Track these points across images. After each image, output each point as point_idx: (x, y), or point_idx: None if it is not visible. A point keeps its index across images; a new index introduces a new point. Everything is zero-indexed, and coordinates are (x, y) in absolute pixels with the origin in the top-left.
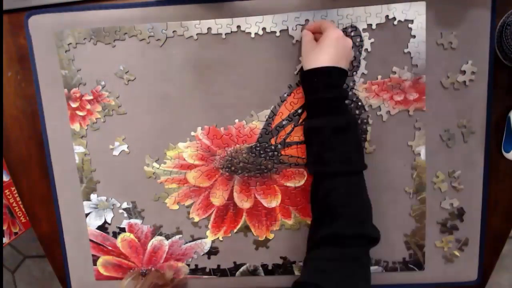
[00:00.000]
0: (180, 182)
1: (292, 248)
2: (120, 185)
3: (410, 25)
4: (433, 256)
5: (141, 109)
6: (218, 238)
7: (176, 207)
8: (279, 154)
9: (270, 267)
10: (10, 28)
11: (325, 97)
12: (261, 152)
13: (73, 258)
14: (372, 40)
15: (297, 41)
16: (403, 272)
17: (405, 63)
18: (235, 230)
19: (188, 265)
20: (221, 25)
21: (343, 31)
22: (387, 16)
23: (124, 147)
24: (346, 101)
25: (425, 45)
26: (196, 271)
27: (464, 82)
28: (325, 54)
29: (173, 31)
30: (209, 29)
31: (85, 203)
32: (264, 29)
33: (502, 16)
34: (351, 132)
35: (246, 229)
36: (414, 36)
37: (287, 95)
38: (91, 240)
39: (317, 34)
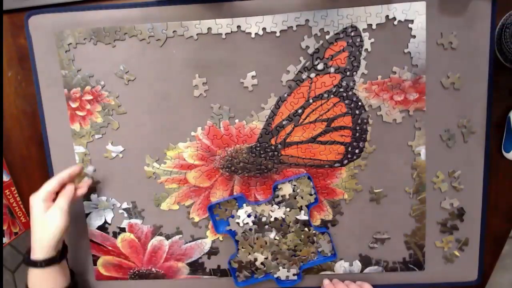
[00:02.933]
0: (180, 182)
1: None
2: (120, 185)
3: (410, 25)
4: (433, 256)
5: (141, 109)
6: (218, 238)
7: (176, 207)
8: (279, 154)
9: None
10: (10, 28)
11: None
12: (261, 152)
13: (73, 258)
14: (372, 40)
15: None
16: (403, 272)
17: (405, 63)
18: None
19: (188, 265)
20: (221, 25)
21: (343, 31)
22: (387, 16)
23: (124, 147)
24: (346, 101)
25: (425, 45)
26: (196, 271)
27: (464, 82)
28: None
29: (173, 31)
30: (209, 29)
31: (85, 203)
32: (264, 29)
33: (502, 15)
34: None
35: None
36: (414, 36)
37: (287, 95)
38: (91, 240)
39: None
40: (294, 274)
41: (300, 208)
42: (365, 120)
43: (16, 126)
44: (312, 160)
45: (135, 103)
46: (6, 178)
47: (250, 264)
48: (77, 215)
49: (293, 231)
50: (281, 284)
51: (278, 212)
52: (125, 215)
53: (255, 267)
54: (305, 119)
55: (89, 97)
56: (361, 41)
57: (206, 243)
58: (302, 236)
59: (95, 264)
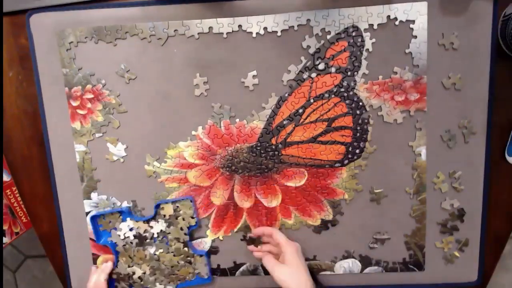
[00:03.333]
0: (181, 181)
1: None
2: (121, 184)
3: (411, 26)
4: (433, 257)
5: (142, 108)
6: (218, 237)
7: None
8: (279, 154)
9: None
10: (11, 28)
11: None
12: (262, 151)
13: (74, 257)
14: (374, 40)
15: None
16: (403, 272)
17: (406, 64)
18: (235, 230)
19: None
20: (223, 24)
21: (344, 31)
22: (388, 16)
23: (125, 146)
24: (347, 101)
25: (426, 46)
26: None
27: (465, 82)
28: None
29: (175, 30)
30: (210, 28)
31: (86, 201)
32: (265, 28)
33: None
34: None
35: (246, 228)
36: (416, 37)
37: (288, 95)
38: (91, 239)
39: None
40: None
41: (181, 229)
42: (366, 120)
43: (17, 126)
44: (313, 160)
45: (136, 102)
46: (7, 178)
47: (128, 277)
48: (77, 214)
49: (173, 251)
50: None
51: (158, 227)
52: None
53: (132, 280)
54: (305, 118)
55: (90, 95)
56: (362, 41)
57: (206, 242)
58: (182, 255)
59: (95, 262)
